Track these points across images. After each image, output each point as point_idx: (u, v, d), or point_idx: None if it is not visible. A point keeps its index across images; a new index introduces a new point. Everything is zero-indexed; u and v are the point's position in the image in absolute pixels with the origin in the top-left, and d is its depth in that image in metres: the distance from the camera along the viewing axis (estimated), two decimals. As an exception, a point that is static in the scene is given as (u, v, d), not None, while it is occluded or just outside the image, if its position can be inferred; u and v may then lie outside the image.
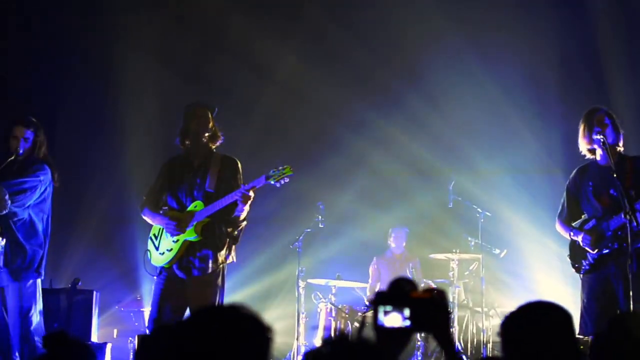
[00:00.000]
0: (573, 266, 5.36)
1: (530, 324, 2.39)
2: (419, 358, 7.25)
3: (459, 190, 7.96)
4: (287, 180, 5.17)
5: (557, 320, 2.41)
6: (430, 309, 2.12)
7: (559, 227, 5.51)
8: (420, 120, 8.78)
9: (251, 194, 5.18)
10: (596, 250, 5.16)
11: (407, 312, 2.08)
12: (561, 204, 5.51)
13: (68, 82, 8.57)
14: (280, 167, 5.18)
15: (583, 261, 5.24)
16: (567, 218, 5.45)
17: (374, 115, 8.91)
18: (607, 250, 5.12)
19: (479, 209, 7.78)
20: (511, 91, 8.50)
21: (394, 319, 2.08)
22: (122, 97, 8.53)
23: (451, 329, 2.21)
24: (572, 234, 5.35)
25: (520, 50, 8.59)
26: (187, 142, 5.51)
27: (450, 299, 7.78)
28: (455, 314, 7.71)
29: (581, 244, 5.24)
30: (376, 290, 8.39)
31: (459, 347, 7.53)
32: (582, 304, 5.21)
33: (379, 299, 2.11)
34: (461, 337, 7.82)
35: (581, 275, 5.30)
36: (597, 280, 5.17)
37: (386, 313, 2.09)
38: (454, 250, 7.90)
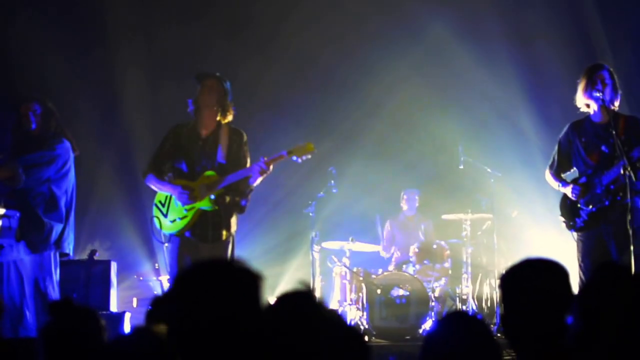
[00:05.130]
0: (566, 224, 5.45)
1: (528, 280, 2.43)
2: (433, 318, 7.33)
3: (468, 152, 7.97)
4: (309, 156, 5.30)
5: (554, 276, 2.44)
6: None
7: (548, 177, 5.64)
8: (429, 83, 8.81)
9: (270, 167, 5.28)
10: (590, 206, 5.24)
11: None
12: (552, 156, 5.63)
13: (82, 60, 8.61)
14: (302, 143, 5.30)
15: (577, 219, 5.34)
16: (557, 170, 5.58)
17: (380, 80, 8.93)
18: (600, 205, 5.21)
19: (488, 170, 7.79)
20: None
21: None
22: (133, 69, 8.58)
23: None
24: (560, 185, 5.48)
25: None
26: (197, 112, 5.58)
27: (464, 259, 7.85)
28: (469, 273, 7.78)
29: (570, 195, 5.35)
30: (391, 250, 8.52)
31: (473, 306, 7.61)
32: (578, 262, 5.33)
33: None
34: (475, 295, 7.88)
35: (574, 233, 5.40)
36: (590, 238, 5.30)
37: None
38: (466, 211, 7.93)
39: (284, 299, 1.99)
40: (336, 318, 1.96)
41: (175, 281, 1.93)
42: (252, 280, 1.90)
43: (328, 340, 1.87)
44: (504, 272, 2.54)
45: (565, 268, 2.46)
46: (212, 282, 1.88)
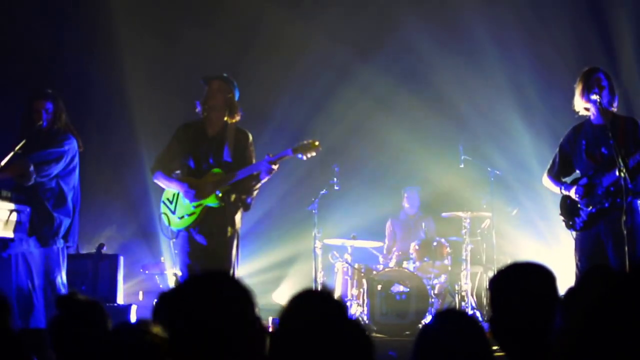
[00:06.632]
0: (565, 223, 5.50)
1: (516, 283, 2.53)
2: (434, 314, 7.42)
3: (469, 151, 8.08)
4: (314, 154, 5.35)
5: (541, 280, 2.52)
6: None
7: (547, 182, 5.68)
8: (428, 81, 8.94)
9: (275, 165, 5.37)
10: (590, 207, 5.30)
11: None
12: (552, 160, 5.68)
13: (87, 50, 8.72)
14: (307, 141, 5.35)
15: (576, 219, 5.39)
16: (557, 174, 5.63)
17: (382, 79, 9.04)
18: (599, 207, 5.26)
19: (488, 168, 7.91)
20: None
21: None
22: (136, 62, 8.70)
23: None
24: (563, 188, 5.52)
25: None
26: (205, 113, 5.69)
27: (464, 256, 7.95)
28: (469, 270, 7.88)
29: (574, 196, 5.40)
30: (392, 250, 8.62)
31: (472, 303, 7.73)
32: (575, 261, 5.40)
33: None
34: (474, 292, 7.99)
35: (573, 232, 5.45)
36: (588, 238, 5.35)
37: None
38: (465, 209, 8.03)
39: (298, 297, 2.06)
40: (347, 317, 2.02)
41: (179, 287, 2.04)
42: (244, 296, 2.01)
43: (336, 338, 1.93)
44: (493, 275, 2.63)
45: (552, 271, 2.55)
46: (210, 293, 1.99)
